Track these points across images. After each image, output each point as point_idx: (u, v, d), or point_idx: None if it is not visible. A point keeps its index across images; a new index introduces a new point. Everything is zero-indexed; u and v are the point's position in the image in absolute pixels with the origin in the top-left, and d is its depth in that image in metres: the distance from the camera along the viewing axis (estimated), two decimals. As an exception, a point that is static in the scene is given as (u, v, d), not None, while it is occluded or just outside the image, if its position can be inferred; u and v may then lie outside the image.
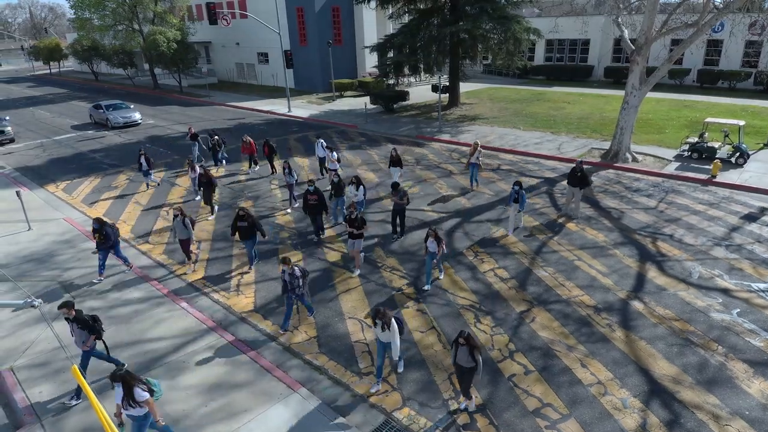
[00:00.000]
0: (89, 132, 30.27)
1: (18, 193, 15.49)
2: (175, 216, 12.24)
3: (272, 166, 20.32)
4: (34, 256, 13.62)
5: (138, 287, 11.88)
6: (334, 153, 17.57)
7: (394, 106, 32.96)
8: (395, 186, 13.71)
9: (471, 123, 28.24)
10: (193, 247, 13.46)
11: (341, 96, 38.76)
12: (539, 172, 19.45)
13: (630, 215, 15.20)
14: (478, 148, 17.17)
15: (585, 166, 15.10)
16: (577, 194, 14.89)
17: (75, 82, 59.98)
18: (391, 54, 32.00)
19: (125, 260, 12.66)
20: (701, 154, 19.73)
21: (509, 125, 27.16)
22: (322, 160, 19.18)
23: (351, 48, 43.40)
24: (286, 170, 16.02)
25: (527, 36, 29.50)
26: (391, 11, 32.69)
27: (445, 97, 32.21)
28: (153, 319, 10.62)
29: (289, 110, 33.64)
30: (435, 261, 11.32)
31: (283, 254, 13.23)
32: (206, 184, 15.78)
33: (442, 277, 11.96)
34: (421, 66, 30.98)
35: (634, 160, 20.03)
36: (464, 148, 23.39)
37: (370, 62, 41.24)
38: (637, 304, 10.68)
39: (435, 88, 28.91)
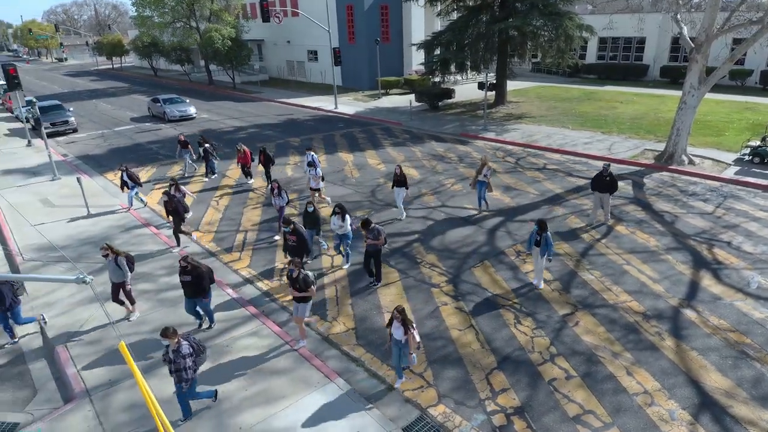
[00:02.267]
0: (147, 124, 31.63)
1: (78, 180, 16.36)
2: (105, 255, 10.02)
3: (268, 177, 17.98)
4: (92, 239, 14.36)
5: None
6: (318, 170, 15.33)
7: (439, 103, 32.77)
8: (366, 224, 10.84)
9: (517, 121, 27.70)
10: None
11: (387, 93, 38.84)
12: (588, 173, 18.83)
13: (684, 220, 14.50)
14: (487, 164, 14.81)
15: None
16: (606, 200, 14.03)
17: (135, 77, 62.79)
18: (437, 51, 31.79)
19: (10, 332, 9.96)
20: (763, 158, 18.60)
21: (557, 124, 26.45)
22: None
23: (398, 45, 43.41)
24: (275, 191, 13.53)
25: (579, 33, 28.63)
26: (439, 8, 32.49)
27: (492, 94, 31.73)
28: (198, 304, 10.96)
29: (336, 107, 34.00)
30: (410, 354, 8.36)
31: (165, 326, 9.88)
32: (173, 213, 13.32)
33: (401, 380, 8.46)
34: (468, 63, 30.59)
35: (691, 162, 19.09)
36: (510, 147, 22.97)
37: (416, 60, 41.17)
38: (689, 313, 10.18)
39: (481, 86, 28.45)
